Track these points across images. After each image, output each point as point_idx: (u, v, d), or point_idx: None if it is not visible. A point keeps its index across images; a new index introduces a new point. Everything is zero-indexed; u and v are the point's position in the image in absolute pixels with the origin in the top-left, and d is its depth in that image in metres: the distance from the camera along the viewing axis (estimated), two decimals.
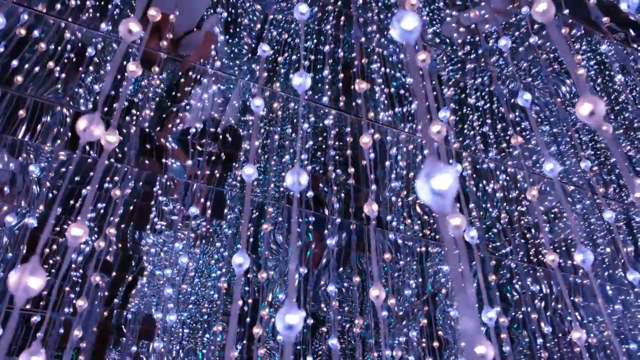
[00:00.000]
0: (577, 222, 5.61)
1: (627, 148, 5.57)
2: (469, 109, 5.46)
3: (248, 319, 4.37)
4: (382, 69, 5.22)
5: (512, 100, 5.03)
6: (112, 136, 1.37)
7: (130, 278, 4.97)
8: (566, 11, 4.19)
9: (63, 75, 4.26)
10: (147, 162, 4.70)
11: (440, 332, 5.79)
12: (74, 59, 4.23)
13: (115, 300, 5.05)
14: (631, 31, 3.91)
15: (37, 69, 4.07)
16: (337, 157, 5.31)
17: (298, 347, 5.65)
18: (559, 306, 6.06)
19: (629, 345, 4.93)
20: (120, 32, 1.31)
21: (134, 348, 4.66)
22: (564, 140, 5.65)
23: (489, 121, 5.20)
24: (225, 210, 5.02)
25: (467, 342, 0.63)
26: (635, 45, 4.01)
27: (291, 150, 4.87)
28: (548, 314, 5.91)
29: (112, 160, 4.30)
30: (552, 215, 6.07)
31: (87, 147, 4.51)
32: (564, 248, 6.31)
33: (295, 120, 4.78)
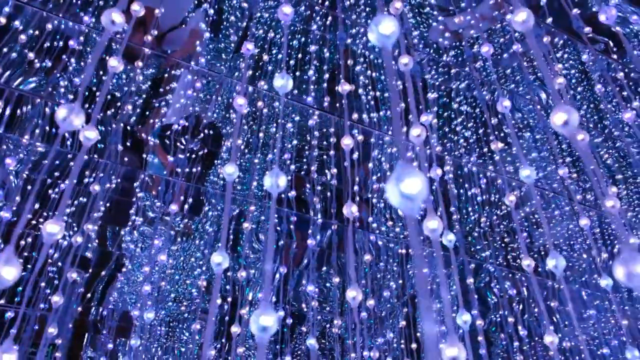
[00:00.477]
0: (553, 228, 5.69)
1: (606, 156, 5.67)
2: (452, 113, 5.51)
3: (227, 318, 4.36)
4: (369, 71, 5.23)
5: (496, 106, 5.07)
6: (92, 132, 1.36)
7: (108, 275, 4.92)
8: (549, 20, 4.25)
9: (45, 64, 4.19)
10: (126, 158, 4.65)
11: (419, 334, 5.84)
12: (56, 51, 4.16)
13: (92, 297, 4.99)
14: (611, 42, 3.99)
15: (15, 57, 3.99)
16: (321, 157, 5.31)
17: (277, 347, 5.65)
18: (536, 310, 6.14)
19: (602, 350, 5.01)
20: (102, 22, 1.30)
21: (110, 345, 4.61)
22: (545, 147, 5.72)
23: (472, 125, 5.25)
24: (206, 208, 4.99)
25: (427, 345, 0.64)
26: (615, 56, 4.10)
27: (275, 150, 4.86)
28: (525, 317, 5.99)
29: (92, 154, 4.24)
30: (533, 220, 6.15)
31: (68, 142, 4.46)
32: (542, 253, 6.40)
33: (279, 120, 4.77)
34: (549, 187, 5.43)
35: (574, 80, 4.90)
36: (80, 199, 4.25)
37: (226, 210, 1.97)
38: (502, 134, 5.27)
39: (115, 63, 1.54)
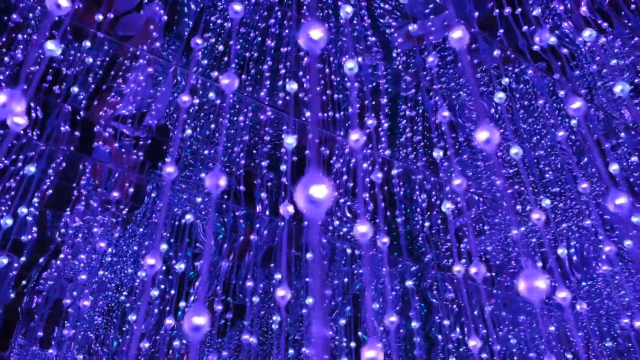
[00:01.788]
0: (493, 235, 5.91)
1: (546, 169, 5.93)
2: (402, 118, 5.62)
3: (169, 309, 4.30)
4: (327, 70, 5.26)
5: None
6: (20, 118, 1.33)
7: (44, 261, 4.76)
8: (501, 31, 4.38)
9: None
10: (72, 142, 4.51)
11: (359, 333, 5.93)
12: None
13: (27, 283, 4.82)
14: (553, 61, 4.18)
15: None
16: (273, 154, 5.31)
17: (219, 340, 5.62)
18: (475, 313, 6.36)
19: (529, 354, 5.26)
20: (47, 5, 1.26)
21: (40, 333, 4.47)
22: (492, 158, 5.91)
23: (421, 131, 5.37)
24: (150, 197, 4.90)
25: (314, 347, 0.67)
26: (556, 76, 4.31)
27: (229, 144, 4.83)
28: (463, 319, 6.19)
29: (32, 135, 4.09)
30: (476, 227, 6.36)
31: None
32: (483, 259, 6.64)
33: (231, 112, 4.74)
34: (492, 195, 5.63)
35: (518, 95, 5.09)
36: (14, 181, 4.08)
37: (163, 210, 1.96)
38: (450, 142, 5.41)
39: (53, 47, 1.50)
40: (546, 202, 3.55)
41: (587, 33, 2.29)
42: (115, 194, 3.47)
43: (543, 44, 1.78)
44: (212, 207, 1.26)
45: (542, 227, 2.33)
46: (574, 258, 5.69)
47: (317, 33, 1.09)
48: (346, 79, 5.12)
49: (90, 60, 4.43)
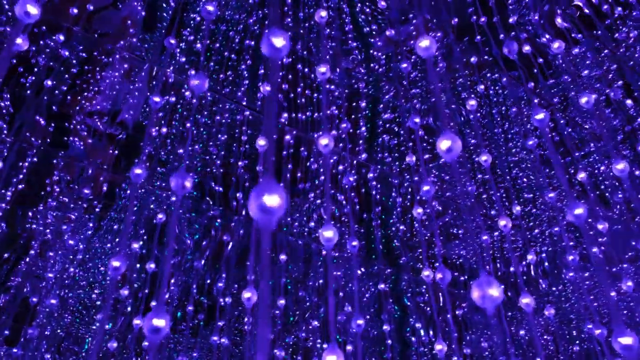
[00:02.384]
0: (465, 240, 5.98)
1: (520, 174, 6.04)
2: (380, 122, 5.66)
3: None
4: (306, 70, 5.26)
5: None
6: None
7: (12, 257, 4.67)
8: (478, 38, 4.43)
9: None
10: (45, 137, 4.43)
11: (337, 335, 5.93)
12: None
13: None
14: (525, 70, 4.26)
15: None
16: (251, 154, 5.29)
17: (193, 340, 5.58)
18: (448, 316, 6.43)
19: (499, 359, 5.33)
20: (16, 13, 1.25)
21: (7, 332, 4.38)
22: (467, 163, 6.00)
23: (398, 135, 5.41)
24: (122, 195, 4.84)
25: (259, 349, 0.67)
26: (531, 85, 4.40)
27: (203, 144, 4.80)
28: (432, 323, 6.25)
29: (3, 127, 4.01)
30: (451, 231, 6.43)
31: None
32: (457, 263, 6.72)
33: (209, 112, 4.71)
34: (462, 201, 5.69)
35: (495, 99, 5.16)
36: None
37: (130, 209, 1.95)
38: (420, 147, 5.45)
39: (20, 41, 1.49)
40: (517, 209, 3.62)
41: (556, 45, 2.34)
42: (87, 191, 3.43)
43: (511, 56, 1.82)
44: (177, 206, 1.25)
45: (508, 233, 2.38)
46: (545, 263, 5.79)
47: (279, 41, 1.09)
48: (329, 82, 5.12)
49: (67, 54, 4.36)
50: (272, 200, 0.85)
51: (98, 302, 5.22)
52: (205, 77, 1.76)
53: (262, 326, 0.69)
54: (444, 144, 1.33)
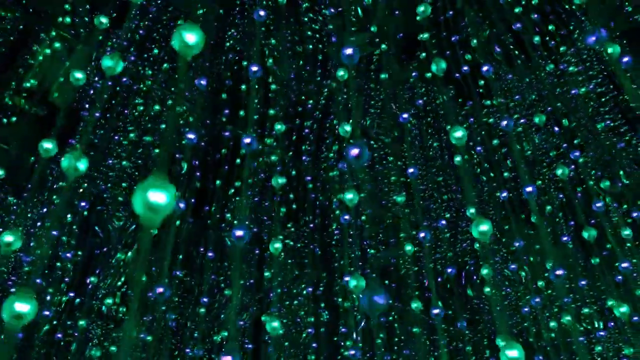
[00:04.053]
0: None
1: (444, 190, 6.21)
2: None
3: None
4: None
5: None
6: None
7: None
8: (419, 53, 4.51)
9: None
10: None
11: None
12: None
13: None
14: (463, 87, 4.43)
15: None
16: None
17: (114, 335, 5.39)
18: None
19: None
20: None
21: None
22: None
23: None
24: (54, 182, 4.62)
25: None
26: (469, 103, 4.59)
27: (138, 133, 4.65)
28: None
29: None
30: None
31: None
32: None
33: (147, 102, 4.58)
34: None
35: (432, 114, 5.30)
36: None
37: (58, 207, 1.84)
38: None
39: None
40: (443, 222, 3.75)
41: (485, 68, 2.45)
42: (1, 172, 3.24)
43: (438, 73, 1.88)
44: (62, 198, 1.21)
45: (429, 244, 2.45)
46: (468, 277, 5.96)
47: (192, 37, 1.07)
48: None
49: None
50: (159, 197, 0.79)
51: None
52: (119, 57, 1.71)
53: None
54: (353, 151, 1.37)
